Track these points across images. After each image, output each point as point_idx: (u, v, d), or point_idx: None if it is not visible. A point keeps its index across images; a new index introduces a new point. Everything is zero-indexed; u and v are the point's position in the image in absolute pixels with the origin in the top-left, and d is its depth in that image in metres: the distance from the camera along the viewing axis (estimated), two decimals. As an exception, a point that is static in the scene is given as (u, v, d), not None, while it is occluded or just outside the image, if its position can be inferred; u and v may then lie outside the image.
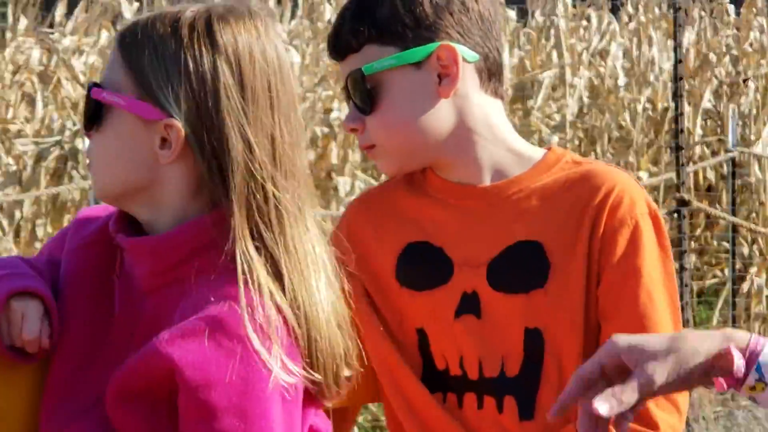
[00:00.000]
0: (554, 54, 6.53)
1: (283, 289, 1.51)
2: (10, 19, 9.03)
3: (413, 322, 1.81)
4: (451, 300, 1.78)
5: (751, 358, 1.35)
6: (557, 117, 6.80)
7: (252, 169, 1.51)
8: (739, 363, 1.33)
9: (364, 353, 1.59)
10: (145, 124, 1.54)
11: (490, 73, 1.81)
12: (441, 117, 1.78)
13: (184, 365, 1.44)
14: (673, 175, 6.47)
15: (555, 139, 6.59)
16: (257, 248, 1.50)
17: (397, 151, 1.81)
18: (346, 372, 1.57)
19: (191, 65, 1.52)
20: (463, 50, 1.75)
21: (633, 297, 1.74)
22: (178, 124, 1.51)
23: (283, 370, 1.46)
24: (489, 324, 1.76)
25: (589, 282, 1.76)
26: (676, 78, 5.16)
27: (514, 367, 1.76)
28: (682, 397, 1.75)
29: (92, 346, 1.59)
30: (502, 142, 1.82)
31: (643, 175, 6.26)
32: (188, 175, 1.54)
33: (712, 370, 1.35)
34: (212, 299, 1.47)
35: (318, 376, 1.50)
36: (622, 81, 6.61)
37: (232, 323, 1.45)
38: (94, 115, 1.58)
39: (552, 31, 6.73)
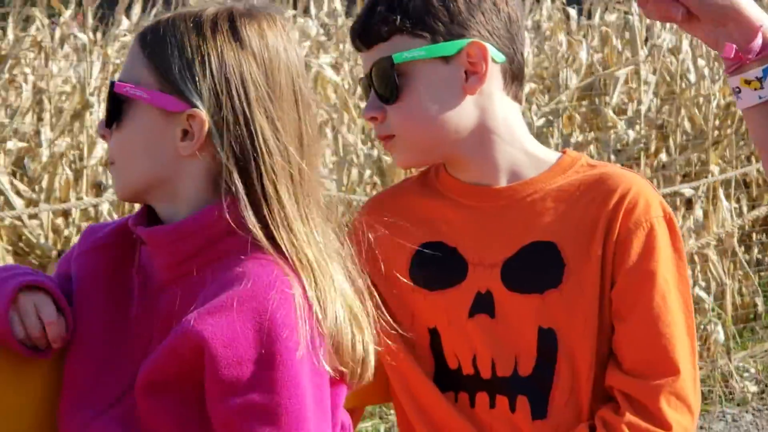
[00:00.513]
0: (627, 52, 6.49)
1: (307, 273, 1.49)
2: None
3: (426, 322, 1.78)
4: (465, 299, 1.76)
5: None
6: (630, 113, 6.70)
7: (283, 159, 1.50)
8: (758, 42, 1.30)
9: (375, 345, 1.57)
10: (166, 117, 1.53)
11: (514, 75, 1.79)
12: (463, 114, 1.76)
13: (214, 341, 1.43)
14: (749, 168, 6.37)
15: (631, 133, 6.48)
16: (283, 233, 1.49)
17: (416, 143, 1.79)
18: (370, 365, 1.55)
19: (214, 59, 1.51)
20: (492, 50, 1.73)
21: (647, 299, 1.71)
22: (202, 114, 1.51)
23: (311, 347, 1.45)
24: (502, 323, 1.74)
25: (604, 283, 1.73)
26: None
27: (527, 367, 1.74)
28: (695, 399, 1.72)
29: (110, 345, 1.58)
30: (520, 144, 1.79)
31: (714, 169, 6.14)
32: (206, 167, 1.53)
33: (732, 24, 1.31)
34: (238, 278, 1.46)
35: (341, 367, 1.49)
36: (693, 77, 6.52)
37: (260, 298, 1.44)
38: (115, 110, 1.57)
39: (627, 31, 6.68)
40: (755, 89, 1.32)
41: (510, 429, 1.73)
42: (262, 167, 1.50)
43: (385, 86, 1.75)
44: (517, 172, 1.77)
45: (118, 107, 1.57)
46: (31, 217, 5.53)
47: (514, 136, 1.78)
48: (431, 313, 1.78)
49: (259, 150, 1.50)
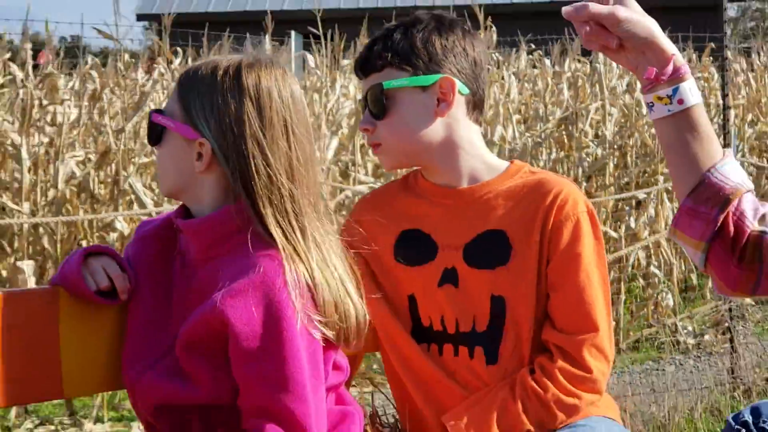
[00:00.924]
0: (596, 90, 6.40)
1: (304, 263, 1.43)
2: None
3: (405, 290, 1.73)
4: (435, 273, 1.71)
5: (677, 75, 1.27)
6: (598, 136, 6.59)
7: (270, 176, 1.44)
8: (670, 68, 1.26)
9: (367, 315, 1.50)
10: (187, 142, 1.48)
11: (475, 105, 1.72)
12: (434, 131, 1.69)
13: (235, 319, 1.38)
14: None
15: (599, 152, 6.36)
16: (280, 231, 1.43)
17: (396, 151, 1.72)
18: (361, 327, 1.49)
19: (220, 100, 1.45)
20: (459, 84, 1.67)
21: (575, 275, 1.65)
22: (208, 143, 1.45)
23: (307, 320, 1.40)
24: (464, 292, 1.68)
25: (540, 262, 1.67)
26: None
27: (482, 325, 1.68)
28: (610, 351, 1.66)
29: (157, 311, 1.53)
30: (478, 155, 1.73)
31: (660, 179, 6.00)
32: (218, 181, 1.48)
33: (650, 53, 1.27)
34: (252, 267, 1.40)
35: (331, 334, 1.43)
36: (644, 110, 6.40)
37: (269, 284, 1.39)
38: (154, 133, 1.53)
39: (595, 75, 6.58)
40: (665, 104, 1.27)
41: (469, 372, 1.67)
42: (255, 185, 1.44)
43: (376, 106, 1.69)
44: (475, 177, 1.71)
45: (157, 131, 1.52)
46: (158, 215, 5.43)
47: (473, 149, 1.72)
48: (409, 283, 1.73)
49: (251, 172, 1.44)
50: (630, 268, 5.81)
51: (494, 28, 6.85)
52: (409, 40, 1.66)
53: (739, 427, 1.48)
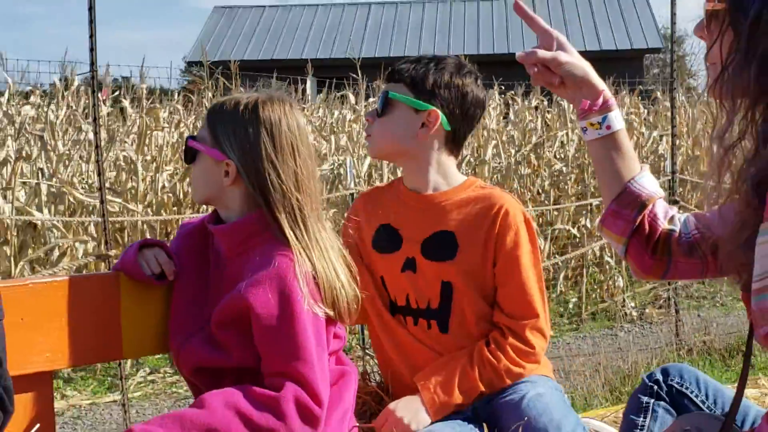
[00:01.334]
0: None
1: (309, 258, 1.40)
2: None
3: (378, 273, 1.67)
4: (399, 261, 1.65)
5: (606, 106, 1.24)
6: (563, 155, 6.49)
7: (283, 189, 1.41)
8: (600, 100, 1.24)
9: (358, 296, 1.47)
10: (216, 162, 1.46)
11: (454, 140, 1.62)
12: (410, 145, 1.61)
13: (255, 304, 1.35)
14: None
15: (564, 169, 6.26)
16: (291, 233, 1.41)
17: (378, 145, 1.65)
18: (353, 306, 1.46)
19: (241, 130, 1.43)
20: (444, 120, 1.58)
21: (517, 274, 1.60)
22: (233, 163, 1.43)
23: (312, 303, 1.37)
24: (421, 277, 1.63)
25: (485, 259, 1.59)
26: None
27: (435, 303, 1.63)
28: (547, 331, 1.61)
29: (197, 291, 1.51)
30: (443, 173, 1.65)
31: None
32: (243, 192, 1.45)
33: (585, 89, 1.24)
34: (269, 262, 1.38)
35: (331, 312, 1.41)
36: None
37: (282, 276, 1.36)
38: (189, 154, 1.50)
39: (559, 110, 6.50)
40: (596, 129, 1.25)
41: (427, 337, 1.63)
42: (271, 197, 1.41)
43: (381, 106, 1.62)
44: (437, 187, 1.64)
45: (192, 152, 1.49)
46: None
47: (440, 168, 1.64)
48: (381, 267, 1.67)
49: (268, 187, 1.41)
50: (588, 258, 5.72)
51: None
52: (425, 72, 1.59)
53: (651, 384, 1.42)
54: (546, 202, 6.15)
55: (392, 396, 1.66)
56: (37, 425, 1.43)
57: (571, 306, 5.60)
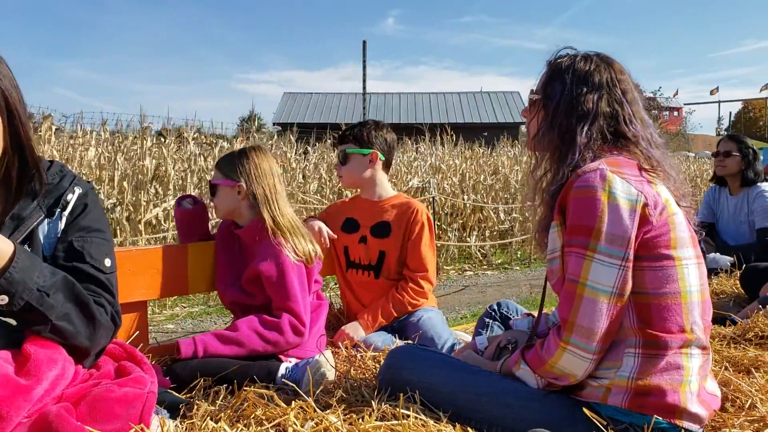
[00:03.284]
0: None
1: (290, 238, 1.74)
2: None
3: (344, 244, 2.13)
4: (357, 237, 2.10)
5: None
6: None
7: (270, 200, 1.75)
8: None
9: (319, 252, 1.80)
10: (230, 187, 1.78)
11: (387, 165, 2.13)
12: (365, 175, 2.05)
13: (265, 271, 1.71)
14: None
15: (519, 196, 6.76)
16: (279, 230, 1.73)
17: (349, 181, 2.06)
18: (316, 256, 1.80)
19: (242, 167, 1.77)
20: (381, 156, 2.09)
21: (418, 249, 2.05)
22: (242, 185, 1.77)
23: (295, 260, 1.72)
24: (369, 247, 2.09)
25: (404, 240, 2.08)
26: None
27: (374, 261, 2.10)
28: (433, 280, 2.05)
29: (231, 258, 1.87)
30: (384, 188, 2.13)
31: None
32: (250, 204, 1.77)
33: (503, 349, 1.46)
34: (270, 246, 1.73)
35: (304, 259, 1.75)
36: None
37: (277, 254, 1.71)
38: (212, 190, 1.79)
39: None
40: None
41: (367, 282, 2.12)
42: (268, 207, 1.74)
43: (342, 159, 2.05)
44: (380, 197, 2.11)
45: (213, 188, 1.81)
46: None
47: (381, 185, 2.12)
48: (346, 240, 2.13)
49: (264, 201, 1.75)
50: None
51: (454, 136, 7.87)
52: (362, 132, 2.04)
53: (491, 311, 1.77)
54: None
55: (346, 319, 2.13)
56: (137, 332, 1.76)
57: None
